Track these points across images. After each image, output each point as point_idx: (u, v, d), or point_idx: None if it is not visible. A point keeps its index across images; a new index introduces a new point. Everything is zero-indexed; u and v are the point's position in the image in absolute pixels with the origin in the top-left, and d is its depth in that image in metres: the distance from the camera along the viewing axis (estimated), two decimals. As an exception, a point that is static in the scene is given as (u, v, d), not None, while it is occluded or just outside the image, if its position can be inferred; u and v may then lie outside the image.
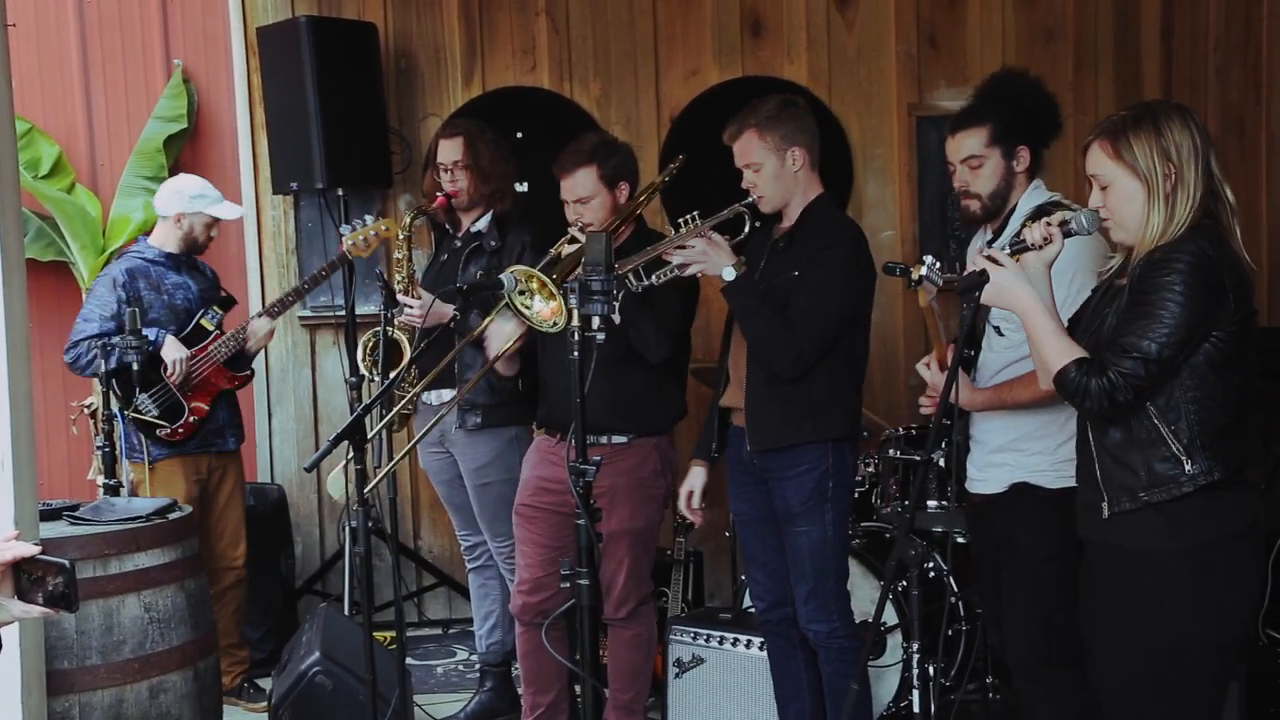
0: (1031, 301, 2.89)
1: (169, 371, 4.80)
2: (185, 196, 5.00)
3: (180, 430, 4.86)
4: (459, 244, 4.77)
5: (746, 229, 3.91)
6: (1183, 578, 2.79)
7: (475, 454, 4.67)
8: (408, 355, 4.53)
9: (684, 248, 3.82)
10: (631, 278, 3.87)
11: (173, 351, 4.81)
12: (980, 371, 3.59)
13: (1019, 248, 2.98)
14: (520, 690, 4.50)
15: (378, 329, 4.44)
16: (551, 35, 6.05)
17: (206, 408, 4.93)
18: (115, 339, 4.70)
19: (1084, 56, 6.16)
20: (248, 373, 5.11)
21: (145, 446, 4.82)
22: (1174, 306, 2.72)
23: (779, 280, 3.87)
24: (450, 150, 4.70)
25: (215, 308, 5.04)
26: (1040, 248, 2.95)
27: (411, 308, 4.51)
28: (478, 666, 5.09)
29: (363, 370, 4.78)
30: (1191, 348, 2.74)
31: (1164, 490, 2.78)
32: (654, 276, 3.88)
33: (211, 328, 4.98)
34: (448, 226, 4.84)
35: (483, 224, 4.75)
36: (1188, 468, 2.77)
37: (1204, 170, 2.84)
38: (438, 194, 4.71)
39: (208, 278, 5.17)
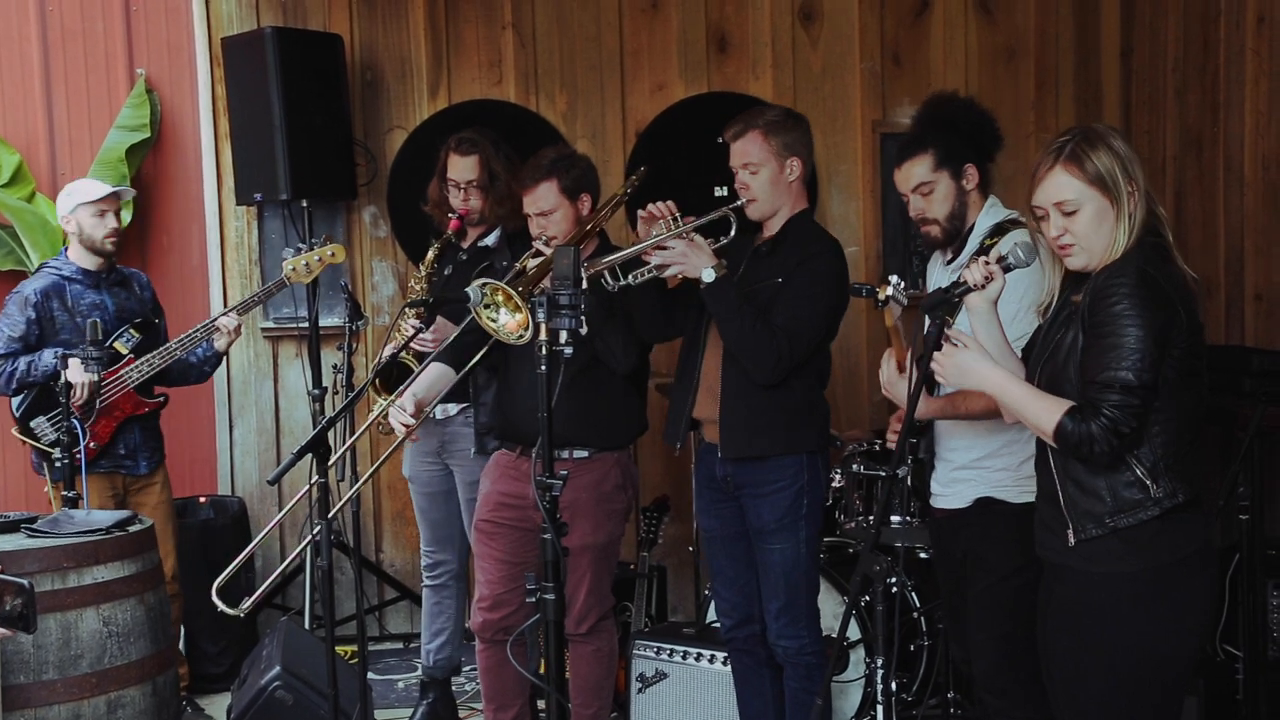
0: (997, 376, 2.90)
1: (75, 395, 4.47)
2: (61, 200, 4.88)
3: (77, 455, 4.50)
4: (464, 257, 4.75)
5: (732, 232, 3.92)
6: (1137, 599, 2.81)
7: (475, 467, 4.63)
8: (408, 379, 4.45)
9: (664, 248, 3.82)
10: (608, 276, 3.85)
11: (78, 374, 4.45)
12: (941, 390, 3.61)
13: (961, 290, 2.99)
14: (459, 702, 4.47)
15: (396, 355, 4.42)
16: (518, 48, 6.05)
17: (108, 435, 4.74)
18: (20, 361, 4.63)
19: (1045, 75, 6.23)
20: (160, 399, 4.90)
21: (47, 468, 4.61)
22: (1133, 329, 2.72)
23: (761, 286, 3.88)
24: (465, 168, 4.68)
25: (131, 330, 4.80)
26: (982, 287, 2.97)
27: (425, 333, 4.41)
28: (420, 679, 5.08)
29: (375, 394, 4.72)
30: (1165, 364, 2.75)
31: (1130, 515, 2.80)
32: (631, 276, 3.87)
33: (125, 351, 4.76)
34: (453, 238, 4.80)
35: (491, 240, 4.73)
36: (1153, 491, 2.78)
37: (1145, 199, 2.86)
38: (450, 217, 4.67)
39: (135, 293, 4.96)
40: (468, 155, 4.70)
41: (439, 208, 4.84)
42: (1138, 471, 2.79)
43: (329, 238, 5.07)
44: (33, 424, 4.71)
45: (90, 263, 4.84)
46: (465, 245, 4.78)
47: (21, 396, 4.73)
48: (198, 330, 4.80)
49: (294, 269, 4.74)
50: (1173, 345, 2.76)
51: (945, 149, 3.61)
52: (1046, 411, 2.81)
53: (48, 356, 4.65)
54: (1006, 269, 2.97)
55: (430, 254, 4.61)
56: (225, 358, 5.10)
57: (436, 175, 4.83)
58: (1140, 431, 2.75)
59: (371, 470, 3.92)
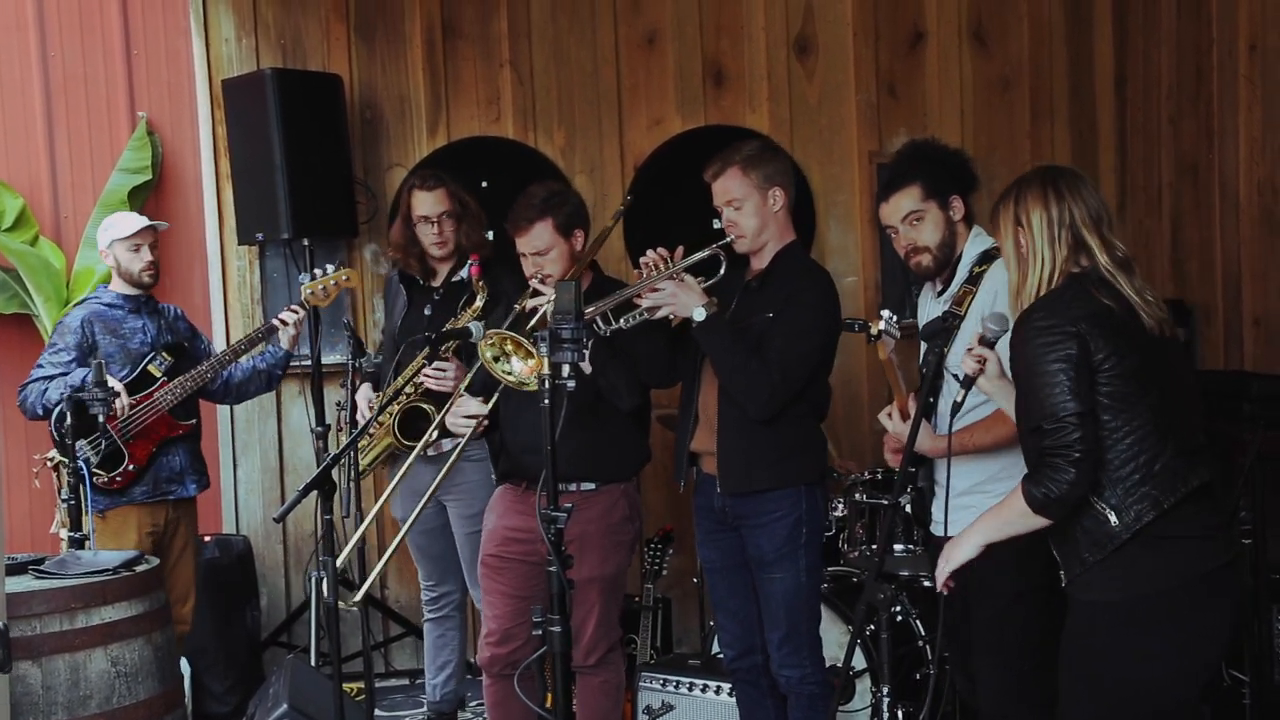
0: (975, 532, 3.06)
1: (114, 411, 4.58)
2: (101, 233, 4.96)
3: (118, 479, 4.69)
4: (440, 294, 4.77)
5: (722, 270, 3.94)
6: (1135, 626, 2.86)
7: (473, 500, 4.66)
8: (434, 422, 4.38)
9: (655, 290, 3.85)
10: (600, 321, 3.88)
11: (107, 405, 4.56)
12: (939, 416, 3.63)
13: (967, 384, 3.14)
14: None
15: (413, 401, 4.44)
16: (515, 86, 6.10)
17: (147, 456, 4.77)
18: (81, 386, 4.63)
19: (1040, 105, 6.27)
20: (193, 421, 4.95)
21: (88, 495, 4.60)
22: (1039, 366, 2.84)
23: (752, 321, 3.90)
24: (434, 202, 4.74)
25: (164, 353, 4.87)
26: (982, 369, 3.10)
27: (445, 371, 4.44)
28: (426, 715, 5.08)
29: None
30: (1094, 388, 2.83)
31: (1101, 548, 2.87)
32: (623, 320, 3.90)
33: (158, 374, 4.83)
34: (418, 278, 4.84)
35: (464, 273, 4.75)
36: (1113, 520, 2.85)
37: (1062, 235, 2.97)
38: (471, 263, 4.66)
39: (167, 319, 5.01)
40: (434, 189, 4.76)
41: (403, 250, 4.85)
42: (1097, 505, 2.86)
43: (343, 263, 5.12)
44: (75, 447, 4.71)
45: (124, 287, 4.93)
46: (437, 284, 4.80)
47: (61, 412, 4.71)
48: (225, 353, 4.90)
49: (312, 293, 4.83)
50: (1096, 370, 2.83)
51: (932, 180, 3.68)
52: (1015, 501, 2.93)
53: (80, 375, 4.64)
54: (990, 345, 3.09)
55: (478, 300, 4.56)
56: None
57: (400, 219, 4.85)
58: (1098, 454, 2.83)
59: (376, 506, 3.93)
